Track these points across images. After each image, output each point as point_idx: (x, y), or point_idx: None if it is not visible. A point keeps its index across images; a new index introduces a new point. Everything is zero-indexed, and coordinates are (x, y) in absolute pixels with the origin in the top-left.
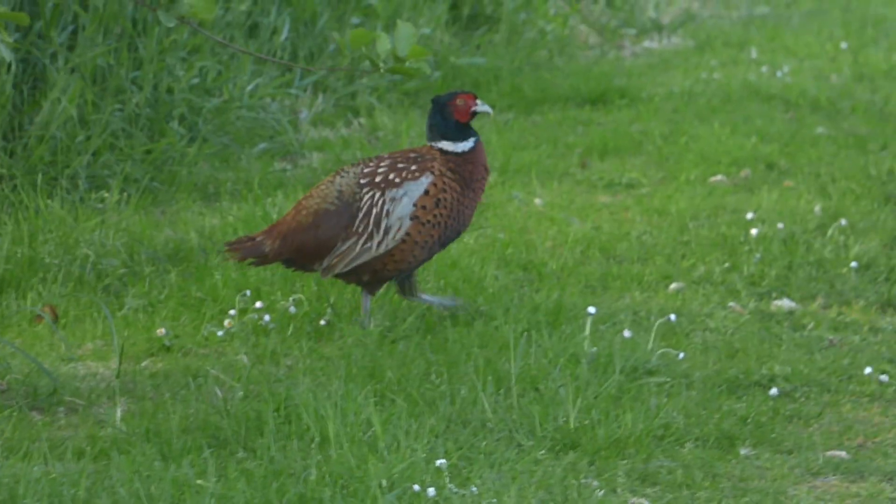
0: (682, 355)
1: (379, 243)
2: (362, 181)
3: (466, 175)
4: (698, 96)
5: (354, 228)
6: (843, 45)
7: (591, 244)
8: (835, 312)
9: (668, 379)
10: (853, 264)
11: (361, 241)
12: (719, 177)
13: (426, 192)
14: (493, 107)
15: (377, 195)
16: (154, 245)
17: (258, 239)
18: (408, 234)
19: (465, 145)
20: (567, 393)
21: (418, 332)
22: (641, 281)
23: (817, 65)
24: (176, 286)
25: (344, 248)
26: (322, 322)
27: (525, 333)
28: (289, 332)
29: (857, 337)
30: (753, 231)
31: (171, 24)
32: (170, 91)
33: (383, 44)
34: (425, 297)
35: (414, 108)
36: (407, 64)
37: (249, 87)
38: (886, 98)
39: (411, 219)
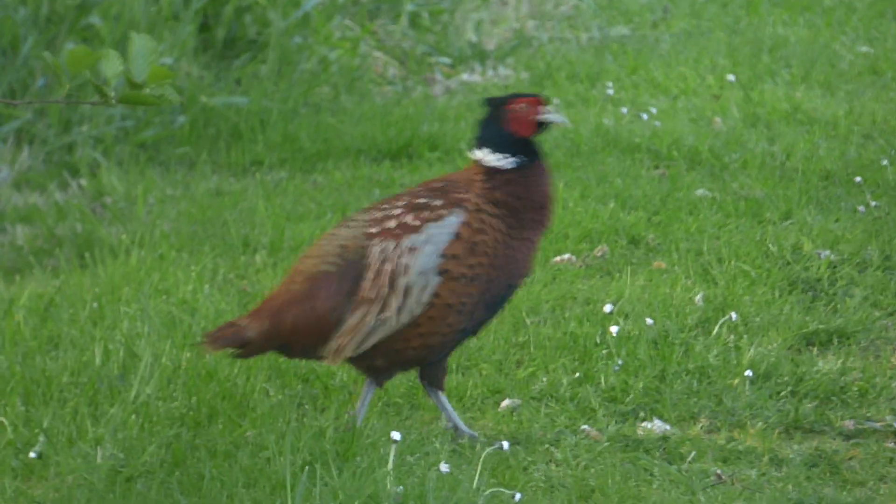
0: (518, 496)
1: (399, 310)
2: (371, 230)
3: (516, 203)
4: None
5: (364, 295)
6: (731, 77)
7: None
8: (723, 438)
9: None
10: (747, 373)
11: (375, 311)
12: (566, 256)
13: (457, 236)
14: (262, 163)
15: (390, 246)
16: None
17: (242, 323)
18: (436, 294)
19: (509, 160)
20: None
21: (163, 466)
22: (463, 396)
23: (696, 104)
24: None
25: (353, 321)
26: (32, 454)
27: (307, 468)
28: None
29: (754, 471)
30: (613, 329)
31: None
32: None
33: (112, 65)
34: (444, 399)
35: (152, 165)
36: (146, 91)
37: None
38: (789, 149)
39: (439, 273)
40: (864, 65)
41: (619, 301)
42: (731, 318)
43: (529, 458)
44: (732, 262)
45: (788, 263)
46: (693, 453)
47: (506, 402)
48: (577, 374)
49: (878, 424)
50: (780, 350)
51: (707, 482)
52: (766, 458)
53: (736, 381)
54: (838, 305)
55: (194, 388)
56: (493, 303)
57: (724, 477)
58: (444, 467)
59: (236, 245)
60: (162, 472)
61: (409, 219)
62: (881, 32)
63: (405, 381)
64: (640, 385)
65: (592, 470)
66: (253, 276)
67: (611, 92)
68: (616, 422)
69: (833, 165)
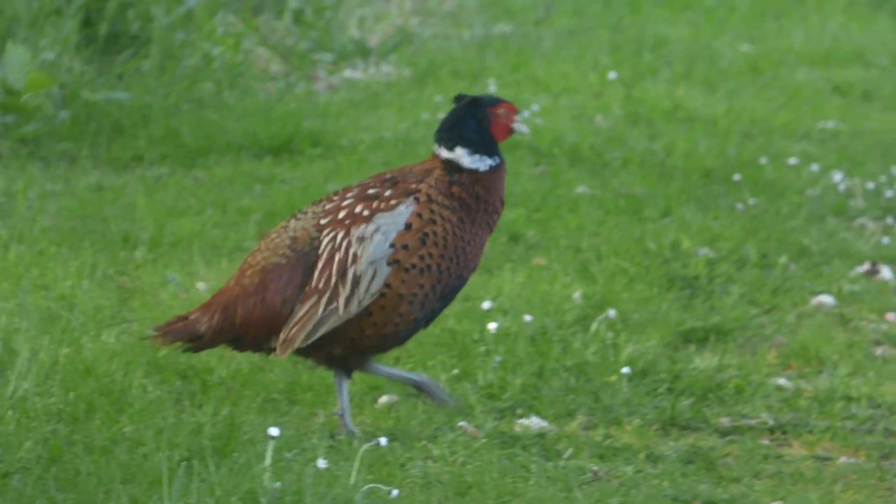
0: (395, 492)
1: (347, 300)
2: (322, 221)
3: (472, 203)
4: (418, 144)
5: (313, 285)
6: (612, 75)
7: None
8: (601, 435)
9: None
10: (625, 370)
11: (324, 301)
12: None
13: (407, 227)
14: (143, 158)
15: (340, 235)
16: None
17: (192, 317)
18: (387, 285)
19: (485, 162)
20: None
21: (39, 462)
22: None
23: (577, 102)
24: None
25: (302, 312)
26: None
27: (184, 463)
28: None
29: (631, 468)
30: (491, 325)
31: None
32: None
33: None
34: (346, 387)
35: (33, 160)
36: (23, 98)
37: None
38: (669, 147)
39: (389, 264)
40: (745, 63)
41: (499, 298)
42: (609, 315)
43: (407, 455)
44: (611, 260)
45: (667, 261)
46: (570, 450)
47: (384, 399)
48: (456, 371)
49: (753, 421)
50: (657, 347)
51: (584, 479)
52: (642, 455)
53: (613, 378)
54: (716, 303)
55: (72, 383)
56: (446, 293)
57: (600, 473)
58: (321, 463)
59: (116, 240)
60: (38, 468)
61: (359, 209)
62: (761, 31)
63: (282, 377)
64: (519, 382)
65: (470, 466)
66: (133, 271)
67: (493, 89)
68: (494, 418)
69: (712, 163)
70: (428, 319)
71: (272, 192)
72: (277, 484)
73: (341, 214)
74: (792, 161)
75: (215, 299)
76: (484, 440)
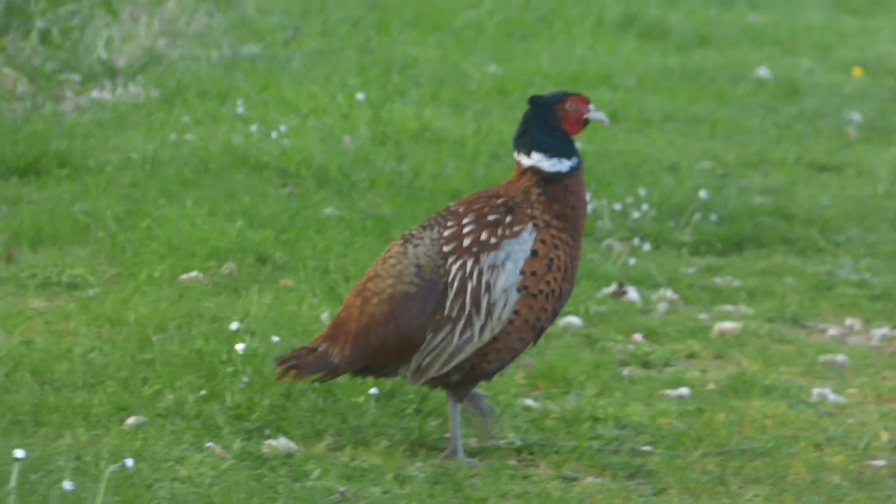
0: None
1: (482, 329)
2: (445, 248)
3: (571, 214)
4: (165, 165)
5: (446, 313)
6: (360, 96)
7: (19, 365)
8: (348, 456)
9: None
10: (373, 391)
11: (459, 330)
12: (194, 273)
13: (534, 253)
14: None
15: (470, 264)
16: None
17: (321, 348)
18: (516, 312)
19: (565, 163)
20: None
21: None
22: (88, 414)
23: (325, 123)
24: None
25: (437, 341)
26: None
27: None
28: None
29: (378, 489)
30: (239, 346)
31: None
32: None
33: None
34: (458, 412)
35: None
36: None
37: None
38: (417, 167)
39: (519, 290)
40: (492, 84)
41: (246, 318)
42: None
43: (154, 476)
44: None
45: None
46: (317, 471)
47: (131, 420)
48: (203, 392)
49: (501, 442)
50: None
51: (331, 499)
52: (390, 476)
53: (361, 398)
54: None
55: None
56: (557, 312)
57: (347, 494)
58: (67, 485)
59: None
60: None
61: (485, 235)
62: (509, 53)
63: (28, 398)
64: (267, 402)
65: (217, 487)
66: None
67: (241, 110)
68: (241, 439)
69: (460, 184)
70: (537, 342)
71: (19, 213)
72: None
73: (466, 242)
74: None
75: (339, 329)
76: (231, 461)
